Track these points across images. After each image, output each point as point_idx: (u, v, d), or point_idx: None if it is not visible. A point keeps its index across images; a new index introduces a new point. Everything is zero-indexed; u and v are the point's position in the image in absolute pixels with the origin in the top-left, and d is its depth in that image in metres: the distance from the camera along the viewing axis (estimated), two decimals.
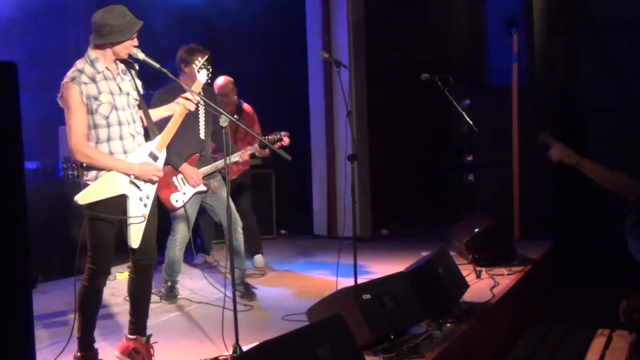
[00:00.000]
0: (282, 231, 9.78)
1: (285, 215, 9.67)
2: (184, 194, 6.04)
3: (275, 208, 9.40)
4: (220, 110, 4.54)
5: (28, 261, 1.90)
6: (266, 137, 6.17)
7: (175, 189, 6.03)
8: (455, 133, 9.19)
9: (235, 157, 6.18)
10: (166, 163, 5.81)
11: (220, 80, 7.47)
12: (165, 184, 5.91)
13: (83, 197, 4.31)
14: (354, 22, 9.41)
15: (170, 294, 6.37)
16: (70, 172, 7.47)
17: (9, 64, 1.83)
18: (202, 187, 6.11)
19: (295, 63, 9.85)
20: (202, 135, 6.17)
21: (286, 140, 6.42)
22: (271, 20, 9.74)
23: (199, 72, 4.96)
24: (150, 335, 4.77)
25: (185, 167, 6.02)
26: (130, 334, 4.72)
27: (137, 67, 4.68)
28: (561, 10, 9.97)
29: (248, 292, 6.35)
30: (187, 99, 4.71)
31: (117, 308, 6.08)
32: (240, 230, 6.30)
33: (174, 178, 6.03)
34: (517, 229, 8.61)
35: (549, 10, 9.74)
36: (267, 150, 7.10)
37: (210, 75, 4.99)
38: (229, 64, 9.60)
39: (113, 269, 6.47)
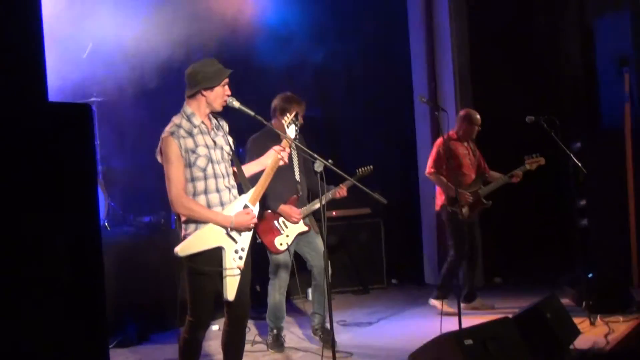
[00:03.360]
0: (393, 281, 9.69)
1: (395, 264, 9.59)
2: (287, 236, 6.14)
3: (385, 257, 9.35)
4: (315, 155, 4.58)
5: (105, 331, 1.93)
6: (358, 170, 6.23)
7: (278, 232, 6.13)
8: (566, 177, 8.94)
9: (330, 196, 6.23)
10: (266, 208, 5.90)
11: (470, 112, 7.71)
12: (268, 229, 6.04)
13: (183, 249, 4.40)
14: (460, 67, 9.35)
15: (277, 342, 6.37)
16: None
17: (83, 106, 1.91)
18: (304, 227, 6.20)
19: (401, 109, 9.87)
20: (297, 177, 6.27)
21: (542, 160, 7.29)
22: (376, 65, 9.85)
23: (288, 127, 4.93)
24: None
25: (282, 207, 6.12)
26: None
27: (227, 125, 4.79)
28: None
29: (326, 338, 6.22)
30: (282, 148, 4.77)
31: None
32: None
33: (276, 222, 6.15)
34: (637, 276, 8.26)
35: None
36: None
37: (298, 130, 4.95)
38: (334, 107, 9.71)
39: None
